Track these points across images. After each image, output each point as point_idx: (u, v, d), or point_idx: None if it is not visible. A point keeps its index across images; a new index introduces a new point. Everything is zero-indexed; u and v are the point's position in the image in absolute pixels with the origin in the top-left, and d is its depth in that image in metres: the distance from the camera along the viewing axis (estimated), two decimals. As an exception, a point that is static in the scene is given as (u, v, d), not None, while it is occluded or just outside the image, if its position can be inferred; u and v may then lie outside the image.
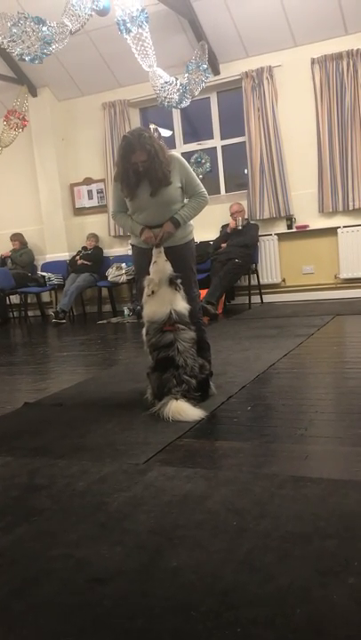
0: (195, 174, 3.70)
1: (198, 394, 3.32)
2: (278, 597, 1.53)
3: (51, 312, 8.33)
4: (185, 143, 8.49)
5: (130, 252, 8.30)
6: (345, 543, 1.75)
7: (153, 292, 3.43)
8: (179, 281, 3.45)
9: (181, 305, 3.46)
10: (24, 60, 5.29)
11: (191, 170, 3.69)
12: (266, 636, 1.39)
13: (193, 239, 3.82)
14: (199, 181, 3.69)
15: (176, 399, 3.16)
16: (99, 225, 8.75)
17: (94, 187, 8.84)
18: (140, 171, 3.48)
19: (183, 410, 3.10)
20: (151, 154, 3.43)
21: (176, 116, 8.40)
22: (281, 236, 7.79)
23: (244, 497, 2.13)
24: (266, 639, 1.38)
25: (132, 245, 3.85)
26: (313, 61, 7.31)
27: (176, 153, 3.71)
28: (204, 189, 3.67)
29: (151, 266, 3.50)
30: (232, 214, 7.64)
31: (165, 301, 3.41)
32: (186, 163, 3.67)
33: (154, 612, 1.52)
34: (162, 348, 3.33)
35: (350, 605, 1.47)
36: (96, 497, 2.25)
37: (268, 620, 1.45)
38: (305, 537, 1.81)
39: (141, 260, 3.72)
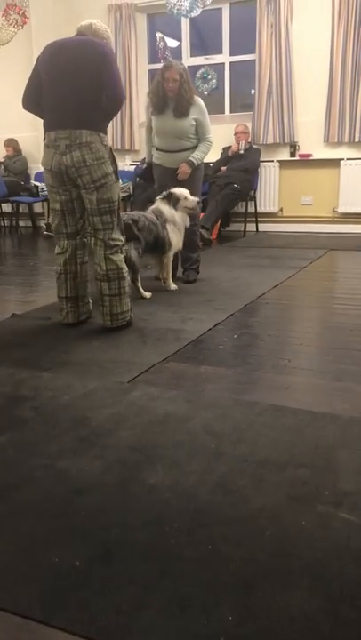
0: (209, 121, 4.37)
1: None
2: (250, 519, 1.59)
3: (42, 224, 8.17)
4: (192, 56, 8.08)
5: (127, 168, 8.20)
6: (318, 473, 1.81)
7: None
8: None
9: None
10: None
11: (207, 116, 4.36)
12: (235, 553, 1.46)
13: (202, 164, 4.56)
14: (210, 128, 4.38)
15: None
16: (96, 137, 8.43)
17: (94, 96, 8.46)
18: (169, 92, 4.15)
19: None
20: (183, 77, 4.12)
21: (185, 27, 7.95)
22: (283, 164, 7.59)
23: (224, 421, 2.18)
24: (235, 557, 1.44)
25: (156, 164, 4.51)
26: (334, -23, 6.86)
27: (200, 99, 4.34)
28: (211, 135, 4.39)
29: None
30: (236, 134, 7.37)
31: None
32: (205, 108, 4.34)
33: (128, 525, 1.58)
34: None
35: (318, 531, 1.53)
36: (79, 411, 2.29)
37: (239, 539, 1.51)
38: (280, 464, 1.86)
39: (163, 177, 4.46)
